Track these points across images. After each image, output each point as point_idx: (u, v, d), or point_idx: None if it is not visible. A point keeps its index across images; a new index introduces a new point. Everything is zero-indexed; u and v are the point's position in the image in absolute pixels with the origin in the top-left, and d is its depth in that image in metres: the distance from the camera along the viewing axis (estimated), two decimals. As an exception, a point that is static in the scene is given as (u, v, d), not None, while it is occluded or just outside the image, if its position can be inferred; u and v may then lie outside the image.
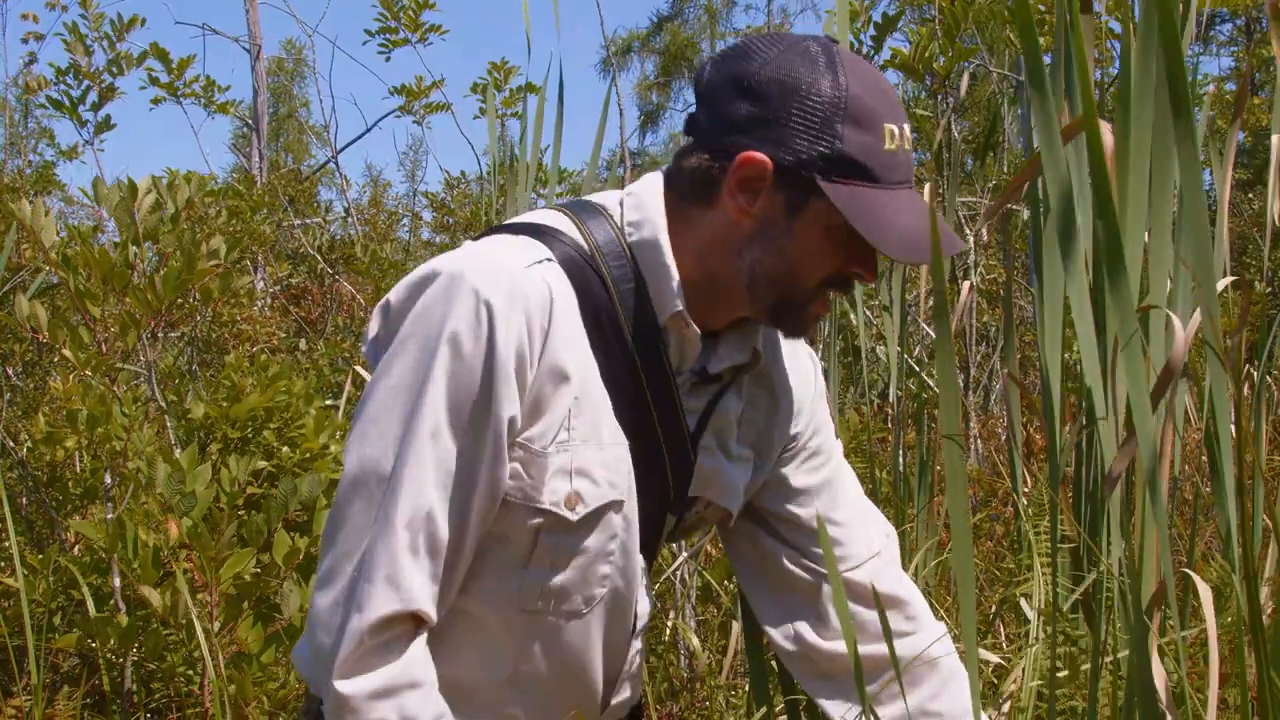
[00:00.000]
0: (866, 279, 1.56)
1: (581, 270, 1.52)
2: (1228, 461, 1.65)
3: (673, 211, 1.56)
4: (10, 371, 4.74)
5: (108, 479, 3.21)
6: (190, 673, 2.93)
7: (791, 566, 1.77)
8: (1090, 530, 2.02)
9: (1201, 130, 2.13)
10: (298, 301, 7.10)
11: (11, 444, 3.70)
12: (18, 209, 3.21)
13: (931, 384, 4.05)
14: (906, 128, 1.51)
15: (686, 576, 3.41)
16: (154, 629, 2.83)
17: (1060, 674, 2.07)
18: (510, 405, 1.43)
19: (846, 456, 1.89)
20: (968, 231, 5.21)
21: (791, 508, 1.76)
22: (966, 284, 3.50)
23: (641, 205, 1.57)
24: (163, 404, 3.52)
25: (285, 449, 3.19)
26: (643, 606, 1.68)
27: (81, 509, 3.52)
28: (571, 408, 1.48)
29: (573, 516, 1.50)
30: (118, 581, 2.98)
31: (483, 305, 1.40)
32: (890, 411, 3.81)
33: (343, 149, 10.56)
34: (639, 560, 1.61)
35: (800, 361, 1.77)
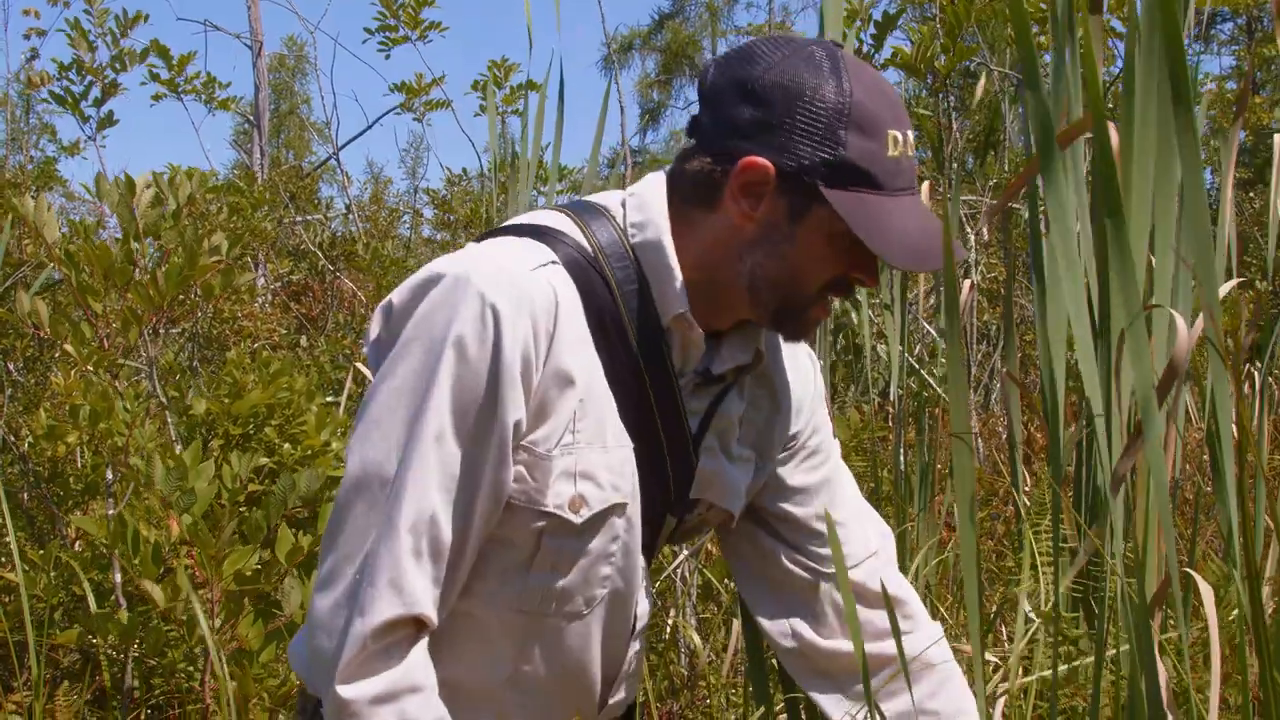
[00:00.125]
0: (868, 284, 1.56)
1: (585, 272, 1.52)
2: (1229, 460, 1.65)
3: (675, 213, 1.55)
4: (11, 367, 4.74)
5: (109, 475, 3.21)
6: (191, 669, 2.93)
7: (790, 565, 1.77)
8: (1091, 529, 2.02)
9: (1201, 126, 2.13)
10: (298, 298, 7.11)
11: (13, 439, 3.70)
12: (20, 204, 3.21)
13: (932, 382, 4.05)
14: (910, 133, 1.50)
15: (687, 575, 3.41)
16: (155, 625, 2.84)
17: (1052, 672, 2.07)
18: (515, 409, 1.42)
19: (847, 455, 1.90)
20: (968, 230, 5.22)
21: (790, 507, 1.76)
22: (967, 283, 3.50)
23: (644, 206, 1.57)
24: (164, 400, 3.52)
25: (287, 446, 3.19)
26: (642, 607, 1.68)
27: (83, 505, 3.52)
28: (576, 411, 1.48)
29: (577, 519, 1.50)
30: (119, 577, 2.98)
31: (489, 309, 1.40)
32: (891, 410, 3.81)
33: (344, 146, 10.56)
34: (640, 561, 1.61)
35: (800, 361, 1.77)
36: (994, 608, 2.82)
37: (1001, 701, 2.07)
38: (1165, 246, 1.83)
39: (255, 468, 3.05)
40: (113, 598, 3.00)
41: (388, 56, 7.83)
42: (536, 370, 1.44)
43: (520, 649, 1.56)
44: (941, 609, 2.76)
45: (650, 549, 1.66)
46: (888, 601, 1.51)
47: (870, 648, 1.77)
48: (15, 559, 2.56)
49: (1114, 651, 1.85)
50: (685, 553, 3.33)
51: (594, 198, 1.63)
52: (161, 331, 3.67)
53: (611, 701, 1.70)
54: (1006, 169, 6.22)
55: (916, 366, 3.95)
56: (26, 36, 7.73)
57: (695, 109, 1.56)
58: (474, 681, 1.55)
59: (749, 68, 1.49)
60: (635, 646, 1.71)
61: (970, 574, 1.42)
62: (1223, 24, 18.36)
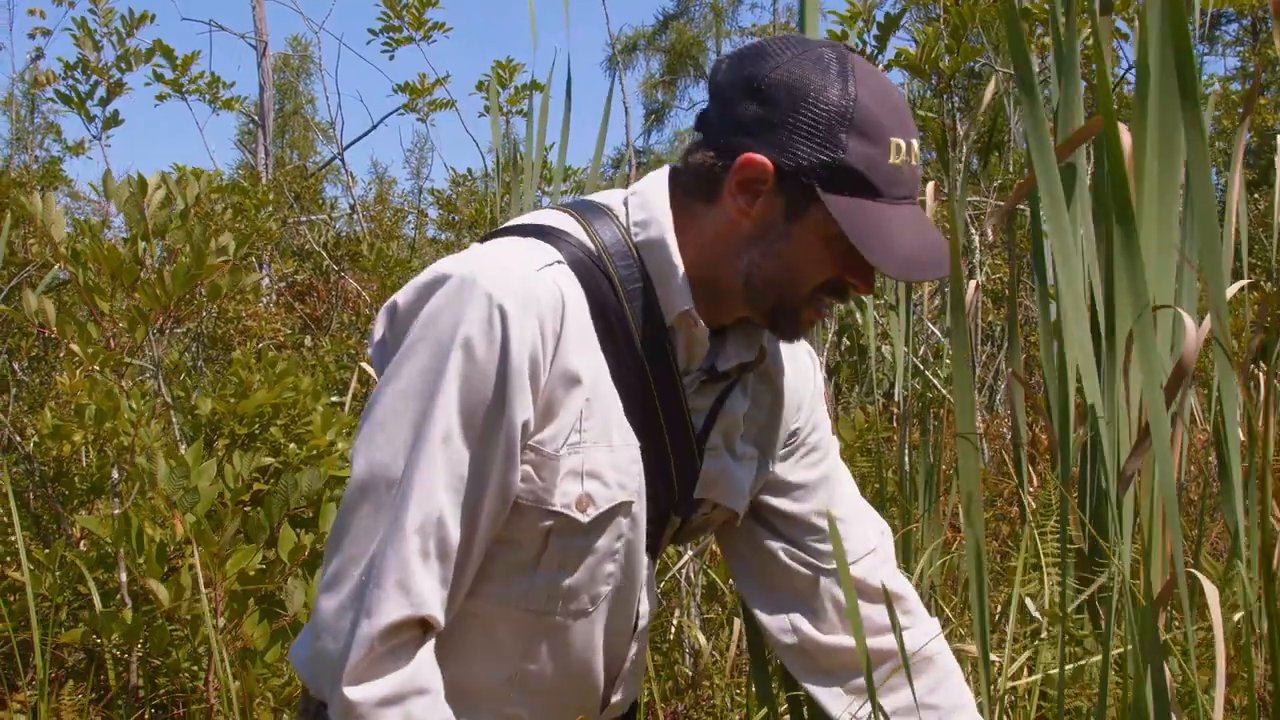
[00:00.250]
0: (861, 290, 1.55)
1: (590, 272, 1.52)
2: (1236, 460, 1.65)
3: (678, 208, 1.56)
4: (16, 366, 4.75)
5: (114, 474, 3.21)
6: (195, 668, 2.94)
7: (789, 562, 1.77)
8: (1097, 530, 2.02)
9: (1206, 127, 2.13)
10: (303, 298, 7.11)
11: (18, 439, 3.71)
12: (29, 203, 3.21)
13: (937, 383, 4.05)
14: (915, 143, 1.50)
15: (692, 575, 3.41)
16: (159, 625, 2.84)
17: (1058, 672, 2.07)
18: (524, 410, 1.42)
19: (853, 456, 1.90)
20: (973, 231, 5.21)
21: (789, 503, 1.77)
22: (972, 283, 3.50)
23: (647, 204, 1.57)
24: (169, 400, 3.52)
25: (292, 445, 3.19)
26: (644, 606, 1.68)
27: (88, 504, 3.52)
28: (583, 410, 1.48)
29: (584, 518, 1.50)
30: (124, 577, 2.98)
31: (496, 309, 1.39)
32: (896, 411, 3.81)
33: (348, 146, 10.57)
34: (643, 559, 1.61)
35: (799, 358, 1.77)
36: (998, 608, 2.82)
37: (1005, 702, 2.07)
38: (1170, 247, 1.83)
39: (261, 467, 3.05)
40: (118, 597, 3.00)
41: (392, 57, 7.84)
42: (544, 370, 1.44)
43: (525, 648, 1.56)
44: (946, 609, 2.76)
45: (655, 548, 1.66)
46: (887, 598, 1.51)
47: (870, 643, 1.77)
48: (21, 558, 2.56)
49: (1119, 651, 1.86)
50: (690, 553, 3.34)
51: (596, 197, 1.63)
52: (166, 331, 3.67)
53: (614, 700, 1.70)
54: (1011, 170, 6.22)
55: (921, 367, 3.95)
56: (32, 36, 7.73)
57: (700, 110, 1.56)
58: (479, 681, 1.56)
59: (758, 65, 1.49)
60: (637, 645, 1.71)
61: (975, 573, 1.42)
62: (1227, 25, 18.34)
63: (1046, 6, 4.38)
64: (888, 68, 4.78)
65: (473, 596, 1.51)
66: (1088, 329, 1.66)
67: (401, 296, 1.47)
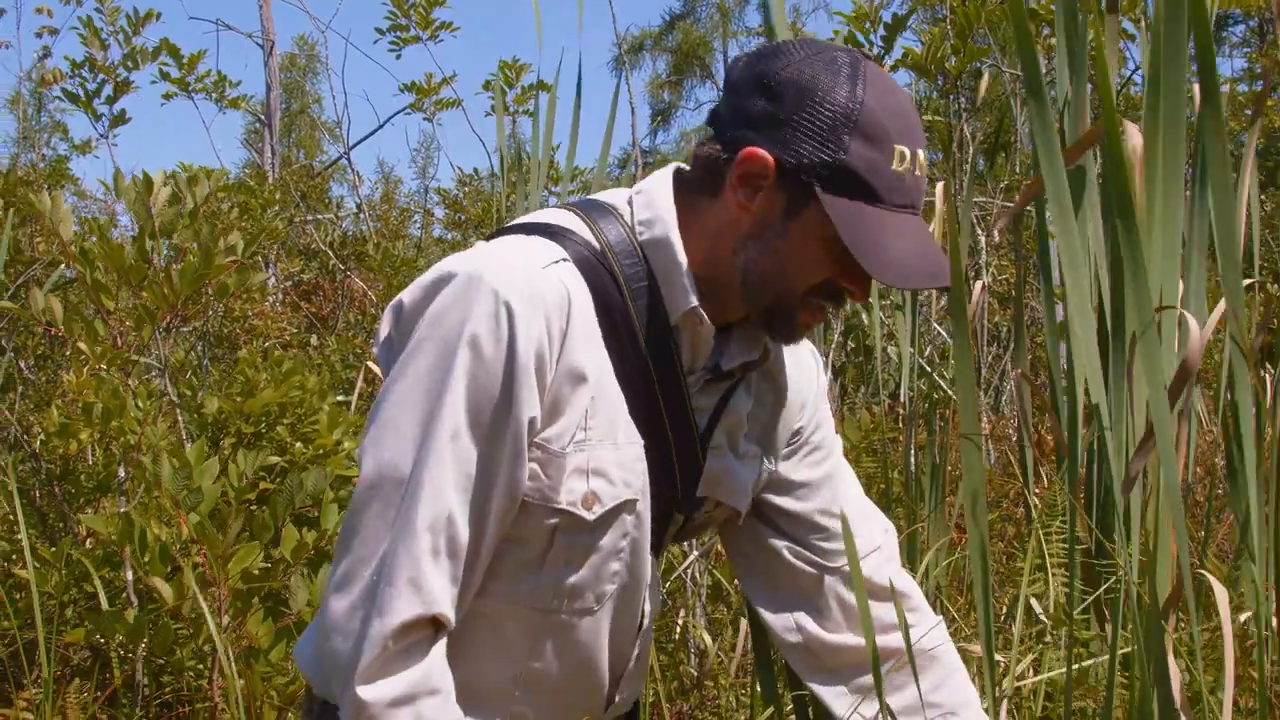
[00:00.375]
0: (857, 296, 1.55)
1: (595, 270, 1.52)
2: (1250, 456, 1.64)
3: (683, 204, 1.56)
4: (23, 364, 4.75)
5: (121, 472, 3.22)
6: (200, 667, 2.94)
7: (793, 560, 1.77)
8: (1102, 531, 2.02)
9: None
10: (309, 297, 7.11)
11: (25, 437, 3.71)
12: (38, 201, 3.21)
13: (943, 384, 4.05)
14: (921, 153, 1.50)
15: (697, 575, 3.41)
16: (163, 623, 2.84)
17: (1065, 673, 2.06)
18: (530, 407, 1.42)
19: (858, 456, 1.90)
20: (979, 232, 5.21)
21: (793, 501, 1.77)
22: (979, 284, 3.50)
23: (651, 203, 1.57)
24: (175, 398, 3.53)
25: (299, 444, 3.19)
26: (649, 605, 1.68)
27: (94, 502, 3.52)
28: (588, 408, 1.48)
29: (589, 516, 1.50)
30: (130, 575, 2.99)
31: (502, 307, 1.39)
32: (902, 411, 3.81)
33: (355, 145, 10.58)
34: (648, 558, 1.61)
35: (803, 357, 1.77)
36: (1004, 609, 2.82)
37: (1005, 702, 2.07)
38: (1176, 248, 1.83)
39: (267, 466, 3.05)
40: (124, 595, 3.00)
41: (399, 56, 7.85)
42: (550, 368, 1.44)
43: (532, 646, 1.56)
44: (952, 610, 2.76)
45: (658, 546, 1.66)
46: (895, 597, 1.51)
47: (876, 641, 1.77)
48: (27, 556, 2.57)
49: (1126, 650, 1.85)
50: (695, 553, 3.34)
51: (601, 195, 1.63)
52: (173, 330, 3.67)
53: (618, 699, 1.70)
54: (1017, 171, 6.22)
55: (927, 368, 3.95)
56: (39, 35, 7.75)
57: (706, 110, 1.57)
58: (486, 680, 1.55)
59: (771, 62, 1.50)
60: (641, 644, 1.71)
61: (979, 573, 1.42)
62: (1234, 26, 18.33)
63: (1054, 7, 4.39)
64: (894, 68, 4.78)
65: (481, 595, 1.51)
66: (1094, 330, 1.66)
67: (407, 295, 1.47)
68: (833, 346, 4.65)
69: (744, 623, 3.08)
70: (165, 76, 7.64)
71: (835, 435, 1.85)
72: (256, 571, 2.75)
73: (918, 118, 1.52)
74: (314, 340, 5.99)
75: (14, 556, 3.36)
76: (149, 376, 3.89)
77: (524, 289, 1.41)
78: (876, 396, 3.97)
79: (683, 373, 1.57)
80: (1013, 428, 4.88)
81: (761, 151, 1.47)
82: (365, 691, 1.38)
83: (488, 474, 1.42)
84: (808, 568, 1.77)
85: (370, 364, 4.16)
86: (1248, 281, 1.93)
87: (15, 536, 3.32)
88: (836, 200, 1.45)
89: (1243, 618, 2.17)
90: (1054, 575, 2.14)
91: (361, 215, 8.89)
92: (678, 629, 3.37)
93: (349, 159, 8.97)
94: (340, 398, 3.98)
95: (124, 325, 3.24)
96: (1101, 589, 2.02)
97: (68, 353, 4.13)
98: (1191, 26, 1.60)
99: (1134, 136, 1.81)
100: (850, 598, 1.77)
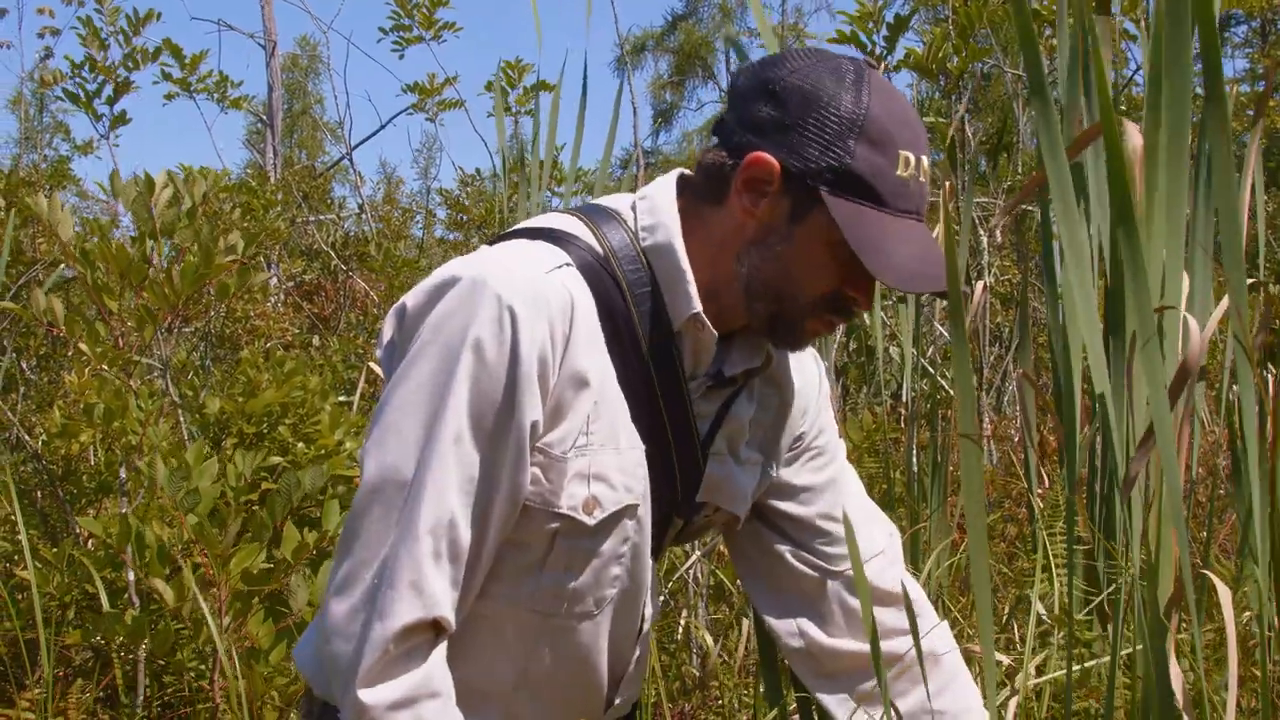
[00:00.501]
0: (862, 305, 1.55)
1: (598, 275, 1.52)
2: (1253, 454, 1.64)
3: (687, 212, 1.56)
4: (24, 365, 4.76)
5: (122, 473, 3.22)
6: (202, 667, 2.94)
7: (796, 564, 1.77)
8: (1105, 532, 2.02)
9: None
10: (311, 298, 7.12)
11: (26, 437, 3.71)
12: (34, 203, 3.21)
13: (945, 384, 4.05)
14: (925, 160, 1.50)
15: (700, 575, 3.41)
16: (163, 624, 2.84)
17: (1066, 674, 2.06)
18: (533, 411, 1.42)
19: (860, 456, 1.89)
20: (981, 232, 5.21)
21: (796, 506, 1.77)
22: (980, 284, 3.49)
23: (655, 209, 1.57)
24: (177, 399, 3.53)
25: (300, 445, 3.19)
26: (649, 609, 1.69)
27: (96, 503, 3.52)
28: (590, 413, 1.48)
29: (590, 521, 1.50)
30: (131, 576, 2.99)
31: (506, 311, 1.39)
32: (904, 411, 3.81)
33: (357, 145, 10.59)
34: (649, 563, 1.62)
35: (805, 363, 1.77)
36: (1006, 610, 2.81)
37: (1014, 704, 2.07)
38: (1179, 248, 1.82)
39: (269, 467, 3.05)
40: (126, 596, 3.00)
41: (401, 56, 7.85)
42: (553, 372, 1.44)
43: (532, 649, 1.56)
44: (954, 610, 2.75)
45: (657, 550, 1.66)
46: (907, 602, 1.51)
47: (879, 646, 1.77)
48: (28, 557, 2.57)
49: (1129, 651, 1.85)
50: (698, 553, 3.34)
51: (605, 201, 1.63)
52: (175, 330, 3.67)
53: (617, 702, 1.70)
54: (1019, 171, 6.21)
55: (929, 368, 3.95)
56: (41, 35, 7.75)
57: (708, 110, 1.57)
58: (485, 682, 1.56)
59: (776, 69, 1.51)
60: (641, 648, 1.71)
61: (980, 574, 1.42)
62: (1236, 27, 18.32)
63: (1055, 8, 4.38)
64: (896, 68, 4.78)
65: (483, 597, 1.51)
66: (1098, 328, 1.66)
67: (411, 299, 1.47)
68: (835, 346, 4.64)
69: (746, 622, 3.08)
70: (167, 77, 7.65)
71: (838, 440, 1.85)
72: (257, 572, 2.75)
73: (922, 126, 1.53)
74: (316, 341, 5.99)
75: (16, 557, 3.36)
76: (151, 377, 3.89)
77: (527, 293, 1.41)
78: (879, 397, 3.97)
79: (685, 378, 1.57)
80: (1015, 428, 4.88)
81: (767, 156, 1.47)
82: (366, 695, 1.38)
83: (490, 478, 1.42)
84: (811, 572, 1.77)
85: (372, 364, 4.16)
86: (1251, 281, 1.93)
87: (17, 537, 3.32)
88: (841, 203, 1.46)
89: (1245, 617, 2.17)
90: (1057, 576, 2.14)
91: (363, 216, 8.89)
92: (680, 629, 3.37)
93: (351, 159, 8.99)
94: (342, 398, 3.98)
95: (125, 326, 3.24)
96: (1106, 592, 2.01)
97: (70, 353, 4.13)
98: (1196, 23, 1.60)
99: (1134, 136, 1.81)
100: (853, 602, 1.78)
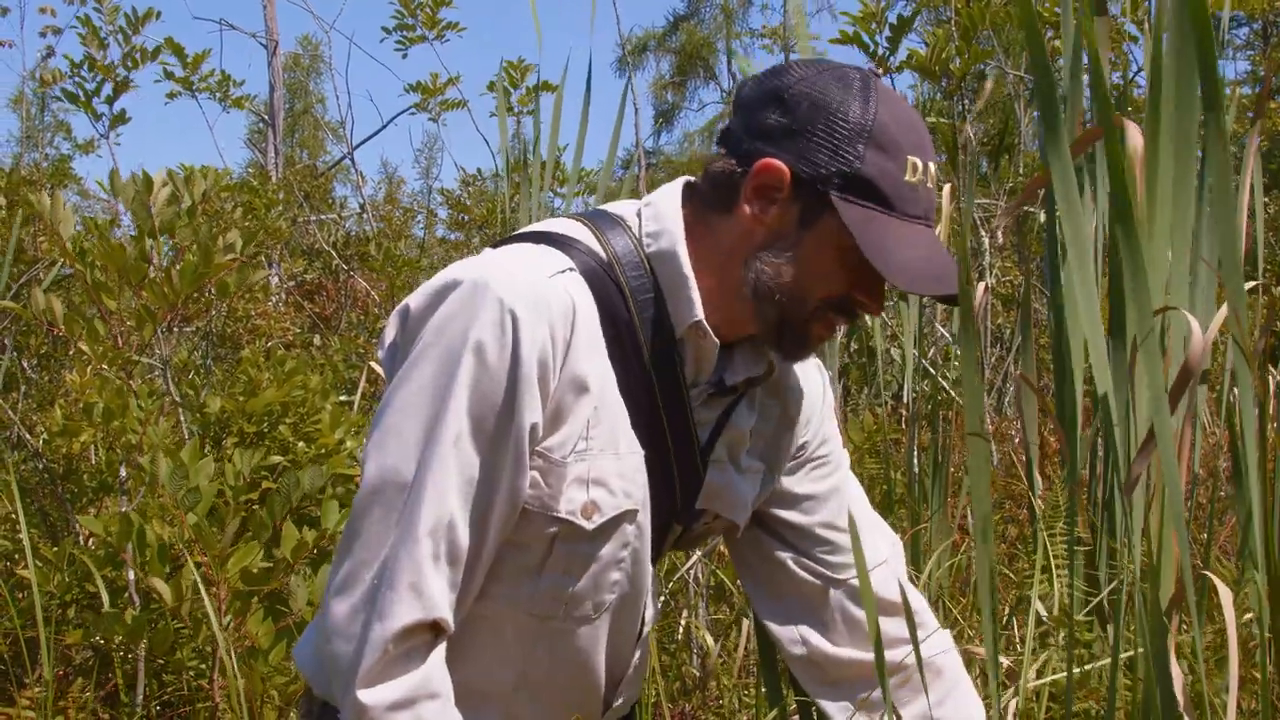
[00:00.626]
0: (871, 310, 1.55)
1: (601, 281, 1.52)
2: (1252, 456, 1.64)
3: (693, 219, 1.56)
4: (25, 364, 4.76)
5: (123, 472, 3.21)
6: (202, 667, 2.94)
7: (799, 572, 1.78)
8: (1107, 532, 2.02)
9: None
10: (312, 297, 7.12)
11: (27, 436, 3.71)
12: (37, 201, 3.21)
13: (946, 385, 4.04)
14: (932, 166, 1.51)
15: (700, 576, 3.41)
16: (163, 623, 2.84)
17: (1067, 676, 2.06)
18: (533, 414, 1.42)
19: (861, 458, 1.89)
20: (983, 234, 5.21)
21: (798, 514, 1.77)
22: (981, 286, 3.49)
23: (659, 216, 1.57)
24: (177, 398, 3.53)
25: (301, 444, 3.19)
26: (649, 612, 1.69)
27: (97, 502, 3.52)
28: (590, 417, 1.48)
29: (589, 525, 1.50)
30: (132, 575, 2.98)
31: (508, 314, 1.40)
32: (905, 412, 3.80)
33: (358, 145, 10.59)
34: (649, 567, 1.62)
35: (809, 373, 1.78)
36: (1006, 611, 2.81)
37: (1014, 705, 2.07)
38: (1183, 248, 1.82)
39: (270, 466, 3.05)
40: (126, 595, 3.00)
41: (405, 56, 7.85)
42: (553, 376, 1.44)
43: (530, 651, 1.56)
44: (955, 611, 2.75)
45: (656, 555, 1.66)
46: (908, 611, 1.51)
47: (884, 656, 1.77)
48: (29, 556, 2.57)
49: (1130, 654, 1.85)
50: (699, 554, 3.33)
51: (610, 207, 1.63)
52: (175, 329, 3.67)
53: (616, 704, 1.71)
54: (1021, 173, 6.21)
55: (930, 370, 3.95)
56: (43, 34, 7.77)
57: (710, 111, 1.57)
58: (482, 683, 1.56)
59: (783, 77, 1.51)
60: (640, 651, 1.72)
61: (984, 576, 1.42)
62: (1238, 29, 18.32)
63: (1058, 10, 4.38)
64: (898, 70, 4.78)
65: (483, 598, 1.51)
66: (1100, 328, 1.66)
67: (413, 301, 1.47)
68: (836, 347, 4.64)
69: (747, 623, 3.08)
70: (169, 76, 7.66)
71: (842, 450, 1.85)
72: (256, 571, 2.75)
73: (929, 134, 1.53)
74: (317, 340, 5.99)
75: (16, 556, 3.36)
76: (152, 376, 3.89)
77: (529, 297, 1.42)
78: (879, 398, 3.96)
79: (685, 385, 1.57)
80: (1014, 430, 4.88)
81: (777, 162, 1.48)
82: (366, 695, 1.38)
83: (490, 480, 1.43)
84: (813, 579, 1.77)
85: (373, 364, 4.16)
86: (1250, 284, 1.92)
87: (18, 536, 3.31)
88: (851, 208, 1.46)
89: (1245, 617, 2.17)
90: (1057, 577, 2.13)
91: (365, 215, 8.89)
92: (680, 629, 3.37)
93: (352, 159, 8.99)
94: (343, 397, 3.98)
95: (125, 325, 3.24)
96: (1105, 592, 2.01)
97: (70, 352, 4.13)
98: (1192, 29, 1.60)
99: (1134, 137, 1.81)
100: (855, 611, 1.78)
